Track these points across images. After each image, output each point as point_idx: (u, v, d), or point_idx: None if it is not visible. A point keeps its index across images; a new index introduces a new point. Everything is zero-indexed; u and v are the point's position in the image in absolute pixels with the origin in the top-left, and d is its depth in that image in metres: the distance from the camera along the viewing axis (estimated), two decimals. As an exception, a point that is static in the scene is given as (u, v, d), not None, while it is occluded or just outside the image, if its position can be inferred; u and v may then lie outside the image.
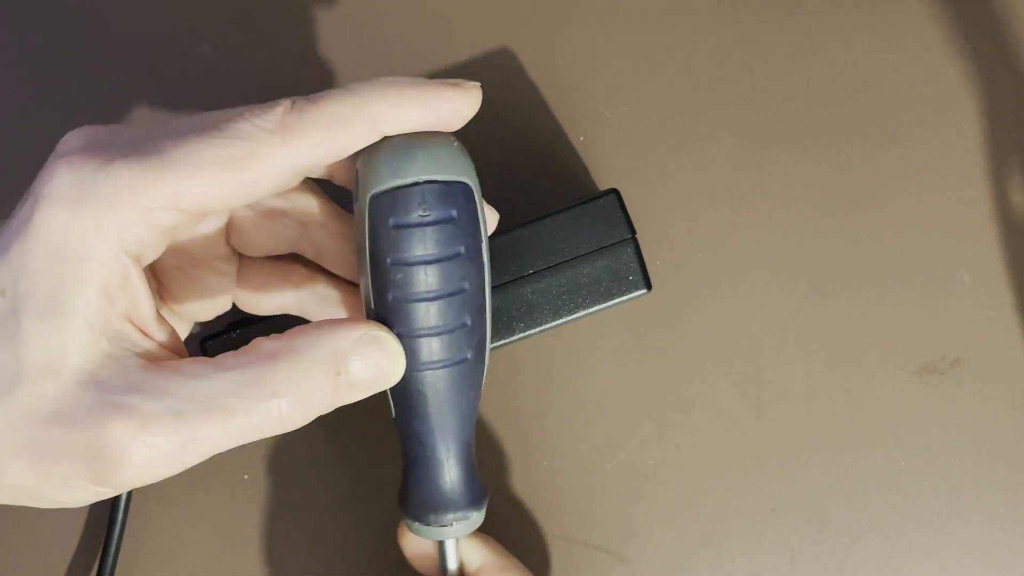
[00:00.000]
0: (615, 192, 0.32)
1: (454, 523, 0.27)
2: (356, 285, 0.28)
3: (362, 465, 0.35)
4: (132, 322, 0.22)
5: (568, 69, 0.37)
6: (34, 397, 0.20)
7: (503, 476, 0.35)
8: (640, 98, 0.37)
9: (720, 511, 0.34)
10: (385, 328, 0.23)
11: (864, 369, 0.35)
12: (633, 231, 0.32)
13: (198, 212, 0.22)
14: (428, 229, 0.23)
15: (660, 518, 0.34)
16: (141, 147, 0.21)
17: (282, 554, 0.34)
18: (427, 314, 0.24)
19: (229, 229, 0.27)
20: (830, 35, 0.37)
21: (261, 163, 0.22)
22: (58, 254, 0.20)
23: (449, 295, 0.24)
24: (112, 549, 0.33)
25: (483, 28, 0.37)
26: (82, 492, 0.21)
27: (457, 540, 0.28)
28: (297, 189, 0.27)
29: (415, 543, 0.30)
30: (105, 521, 0.33)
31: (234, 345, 0.31)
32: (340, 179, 0.26)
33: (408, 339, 0.24)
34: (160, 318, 0.23)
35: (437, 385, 0.25)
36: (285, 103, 0.22)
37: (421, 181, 0.23)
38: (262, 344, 0.22)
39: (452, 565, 0.28)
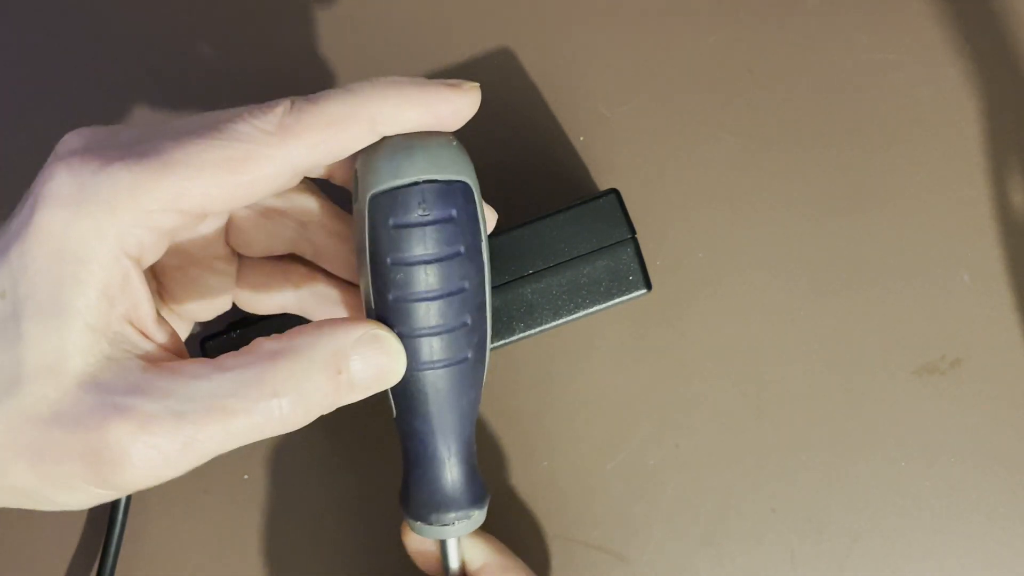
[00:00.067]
0: (615, 192, 0.32)
1: (455, 522, 0.27)
2: (356, 285, 0.28)
3: (362, 465, 0.35)
4: (132, 324, 0.22)
5: (568, 69, 0.37)
6: (35, 399, 0.20)
7: (503, 476, 0.35)
8: (640, 98, 0.37)
9: (720, 511, 0.34)
10: (385, 327, 0.23)
11: (864, 369, 0.35)
12: (633, 231, 0.32)
13: (198, 213, 0.22)
14: (428, 229, 0.23)
15: (660, 518, 0.34)
16: (140, 149, 0.21)
17: (282, 554, 0.34)
18: (427, 314, 0.24)
19: (228, 229, 0.27)
20: (830, 35, 0.37)
21: (260, 164, 0.22)
22: (58, 256, 0.20)
23: (449, 295, 0.24)
24: (112, 549, 0.33)
25: (483, 28, 0.37)
26: (83, 494, 0.21)
27: (459, 539, 0.28)
28: (296, 189, 0.27)
29: (418, 541, 0.30)
30: (105, 521, 0.33)
31: (234, 345, 0.31)
32: (339, 179, 0.26)
33: (409, 339, 0.24)
34: (160, 319, 0.23)
35: (438, 384, 0.25)
36: (284, 103, 0.22)
37: (420, 181, 0.23)
38: (262, 344, 0.22)
39: (454, 564, 0.28)
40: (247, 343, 0.22)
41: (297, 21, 0.38)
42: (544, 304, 0.31)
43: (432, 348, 0.24)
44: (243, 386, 0.21)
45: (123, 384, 0.21)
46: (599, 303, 0.31)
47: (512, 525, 0.34)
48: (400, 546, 0.32)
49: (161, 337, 0.23)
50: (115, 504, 0.33)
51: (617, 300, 0.31)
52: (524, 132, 0.36)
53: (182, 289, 0.27)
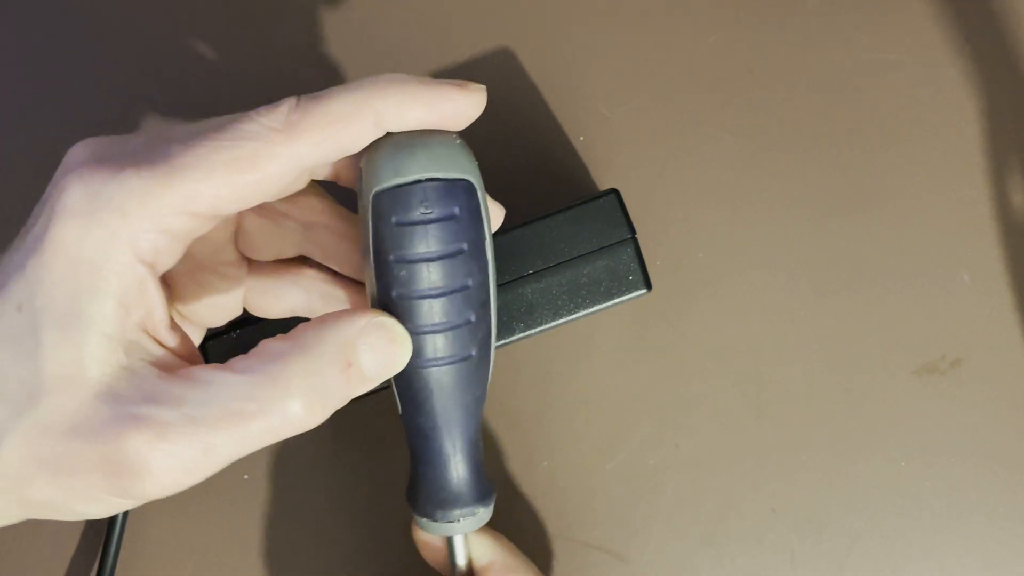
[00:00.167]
0: (615, 192, 0.32)
1: (460, 519, 0.27)
2: (363, 284, 0.28)
3: (363, 465, 0.35)
4: (147, 331, 0.22)
5: (568, 69, 0.37)
6: (54, 411, 0.20)
7: (504, 476, 0.35)
8: (640, 98, 0.37)
9: (720, 511, 0.34)
10: (387, 313, 0.23)
11: (864, 369, 0.35)
12: (633, 231, 0.32)
13: (210, 216, 0.22)
14: (430, 226, 0.23)
15: (660, 518, 0.34)
16: (149, 155, 0.21)
17: (283, 554, 0.34)
18: (431, 311, 0.24)
19: (237, 234, 0.27)
20: (830, 35, 0.37)
21: (268, 162, 0.22)
22: (73, 266, 0.21)
23: (452, 292, 0.24)
24: (112, 549, 0.33)
25: (483, 28, 0.37)
26: (105, 504, 0.22)
27: (466, 536, 0.28)
28: (303, 192, 0.27)
29: (427, 536, 0.30)
30: (105, 521, 0.33)
31: (234, 345, 0.31)
32: (344, 180, 0.26)
33: (412, 336, 0.24)
34: (174, 325, 0.23)
35: (442, 381, 0.25)
36: (289, 101, 0.22)
37: (423, 179, 0.23)
38: (270, 345, 0.22)
39: (461, 561, 0.28)
40: (247, 343, 0.22)
41: (298, 21, 0.38)
42: (544, 304, 0.31)
43: (436, 345, 0.24)
44: (256, 388, 0.21)
45: (139, 393, 0.21)
46: (599, 303, 0.31)
47: (512, 525, 0.34)
48: (402, 545, 0.32)
49: (174, 343, 0.23)
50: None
51: (617, 300, 0.31)
52: (524, 132, 0.36)
53: (193, 295, 0.27)
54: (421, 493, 0.27)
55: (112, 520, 0.33)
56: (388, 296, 0.24)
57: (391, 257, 0.24)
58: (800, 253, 0.35)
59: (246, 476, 0.35)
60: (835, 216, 0.35)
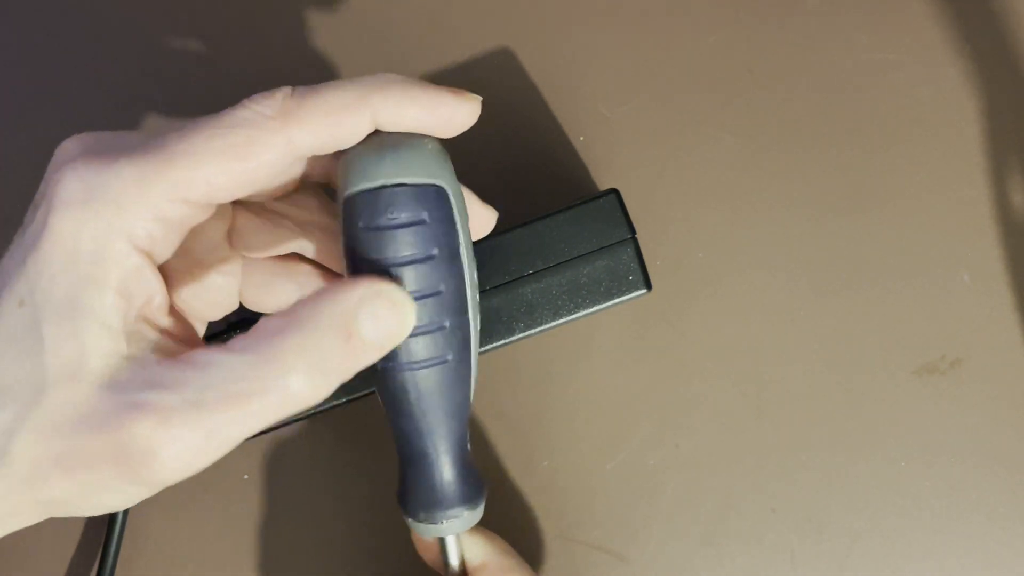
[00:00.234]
0: (615, 192, 0.32)
1: (444, 521, 0.27)
2: None
3: (362, 465, 0.35)
4: (147, 319, 0.22)
5: (568, 69, 0.37)
6: (60, 405, 0.20)
7: (503, 476, 0.35)
8: (640, 98, 0.37)
9: (720, 511, 0.34)
10: (386, 280, 0.23)
11: (864, 369, 0.35)
12: (633, 231, 0.32)
13: (205, 203, 0.22)
14: (397, 232, 0.23)
15: (660, 518, 0.34)
16: (144, 145, 0.22)
17: (282, 554, 0.34)
18: None
19: (231, 232, 0.27)
20: (830, 35, 0.37)
21: (263, 149, 0.22)
22: (72, 258, 0.21)
23: (424, 297, 0.24)
24: (112, 549, 0.33)
25: (483, 28, 0.37)
26: (121, 496, 0.21)
27: (458, 536, 0.28)
28: (297, 192, 0.27)
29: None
30: (105, 521, 0.33)
31: None
32: (335, 183, 0.27)
33: None
34: (174, 312, 0.23)
35: (420, 385, 0.25)
36: (285, 90, 0.22)
37: (390, 184, 0.23)
38: (268, 322, 0.22)
39: (454, 561, 0.28)
40: None
41: (297, 21, 0.38)
42: (544, 304, 0.31)
43: (410, 350, 0.24)
44: (255, 367, 0.21)
45: (141, 380, 0.21)
46: (599, 303, 0.31)
47: (512, 525, 0.34)
48: (402, 546, 0.32)
49: (175, 329, 0.23)
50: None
51: (617, 300, 0.31)
52: (524, 132, 0.36)
53: (190, 291, 0.27)
54: (408, 494, 0.27)
55: (112, 520, 0.33)
56: None
57: (362, 261, 0.24)
58: (800, 253, 0.35)
59: (246, 476, 0.35)
60: (835, 216, 0.35)
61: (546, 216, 0.32)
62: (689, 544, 0.34)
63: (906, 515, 0.34)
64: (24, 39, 0.38)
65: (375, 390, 0.26)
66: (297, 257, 0.29)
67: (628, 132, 0.36)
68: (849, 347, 0.35)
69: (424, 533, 0.27)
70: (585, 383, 0.35)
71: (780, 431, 0.34)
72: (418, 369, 0.25)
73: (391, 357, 0.24)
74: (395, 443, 0.27)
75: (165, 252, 0.22)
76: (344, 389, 0.32)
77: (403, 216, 0.23)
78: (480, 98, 0.24)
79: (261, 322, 0.22)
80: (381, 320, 0.22)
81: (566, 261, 0.31)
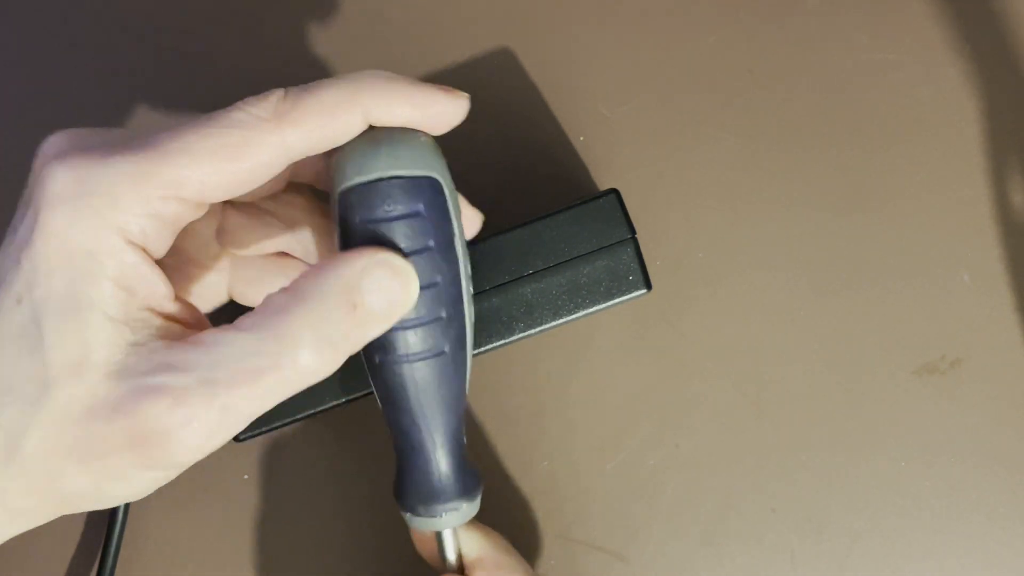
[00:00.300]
0: (615, 192, 0.32)
1: (443, 514, 0.27)
2: None
3: (362, 464, 0.35)
4: (152, 308, 0.22)
5: (568, 69, 0.37)
6: (67, 398, 0.21)
7: (503, 476, 0.35)
8: (640, 98, 0.37)
9: (720, 511, 0.34)
10: (386, 249, 0.23)
11: (864, 369, 0.35)
12: (633, 231, 0.32)
13: (198, 202, 0.22)
14: (395, 224, 0.23)
15: (660, 518, 0.34)
16: (137, 142, 0.22)
17: (282, 554, 0.34)
18: None
19: (219, 231, 0.27)
20: (830, 35, 0.37)
21: (257, 150, 0.22)
22: (68, 253, 0.21)
23: (421, 289, 0.24)
24: (112, 549, 0.33)
25: (483, 28, 0.37)
26: (139, 482, 0.22)
27: (454, 530, 0.28)
28: (285, 191, 0.28)
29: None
30: (105, 521, 0.33)
31: None
32: (323, 184, 0.27)
33: (384, 332, 0.24)
34: (178, 297, 0.23)
35: (416, 377, 0.25)
36: (278, 92, 0.22)
37: (386, 177, 0.23)
38: (273, 299, 0.22)
39: (451, 555, 0.28)
40: None
41: (296, 21, 0.38)
42: (544, 304, 0.31)
43: (407, 341, 0.24)
44: (263, 343, 0.21)
45: (151, 365, 0.21)
46: (599, 303, 0.31)
47: (512, 525, 0.34)
48: (401, 545, 0.32)
49: (183, 314, 0.23)
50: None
51: (617, 300, 0.31)
52: (524, 132, 0.36)
53: (180, 287, 0.27)
54: (405, 489, 0.27)
55: (112, 520, 0.33)
56: None
57: None
58: (800, 253, 0.35)
59: (246, 476, 0.35)
60: (835, 216, 0.35)
61: (546, 216, 0.32)
62: (689, 544, 0.34)
63: (906, 515, 0.34)
64: (24, 39, 0.38)
65: (372, 387, 0.26)
66: (286, 254, 0.29)
67: (628, 132, 0.36)
68: (849, 347, 0.35)
69: (422, 527, 0.27)
70: (585, 383, 0.35)
71: (780, 431, 0.34)
72: (415, 361, 0.25)
73: (388, 350, 0.25)
74: (392, 438, 0.27)
75: (159, 249, 0.22)
76: (344, 389, 0.32)
77: (399, 208, 0.23)
78: (468, 95, 0.24)
79: (267, 299, 0.22)
80: (384, 289, 0.22)
81: (566, 261, 0.31)
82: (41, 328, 0.21)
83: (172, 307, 0.23)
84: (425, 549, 0.30)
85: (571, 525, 0.34)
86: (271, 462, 0.35)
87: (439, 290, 0.24)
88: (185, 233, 0.26)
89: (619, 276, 0.31)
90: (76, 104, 0.37)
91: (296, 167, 0.26)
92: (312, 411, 0.31)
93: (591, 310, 0.31)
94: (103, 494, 0.22)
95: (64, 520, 0.34)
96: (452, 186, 0.25)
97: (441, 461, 0.27)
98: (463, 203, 0.28)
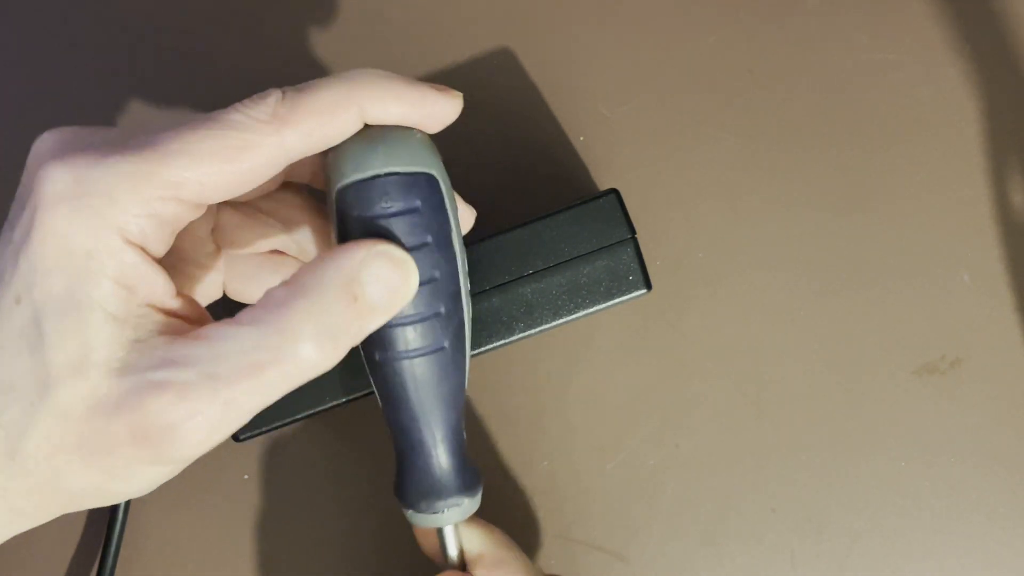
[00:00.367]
0: (615, 192, 0.32)
1: (445, 510, 0.27)
2: None
3: (362, 464, 0.35)
4: (152, 304, 0.22)
5: (568, 69, 0.37)
6: (69, 396, 0.21)
7: (503, 476, 0.35)
8: (640, 98, 0.37)
9: (720, 511, 0.34)
10: (384, 241, 0.23)
11: (864, 369, 0.35)
12: (633, 231, 0.32)
13: (197, 203, 0.22)
14: (392, 220, 0.24)
15: (660, 518, 0.34)
16: (135, 142, 0.21)
17: (282, 554, 0.34)
18: None
19: (215, 230, 0.27)
20: (830, 35, 0.37)
21: (256, 152, 0.22)
22: (66, 252, 0.21)
23: (420, 284, 0.24)
24: (112, 549, 0.33)
25: (483, 28, 0.37)
26: (144, 478, 0.22)
27: (456, 526, 0.28)
28: (280, 191, 0.28)
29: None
30: (105, 521, 0.33)
31: None
32: (319, 183, 0.27)
33: (384, 330, 0.24)
34: (180, 293, 0.23)
35: (416, 373, 0.25)
36: (275, 94, 0.22)
37: (383, 173, 0.23)
38: (274, 293, 0.22)
39: (452, 551, 0.28)
40: None
41: (297, 21, 0.38)
42: (544, 304, 0.31)
43: (407, 337, 0.24)
44: (265, 337, 0.21)
45: (153, 361, 0.21)
46: (599, 303, 0.31)
47: (512, 525, 0.34)
48: (402, 545, 0.32)
49: (184, 310, 0.23)
50: (115, 505, 0.33)
51: (617, 300, 0.31)
52: (524, 132, 0.36)
53: (176, 284, 0.28)
54: (406, 485, 0.27)
55: (112, 520, 0.33)
56: None
57: None
58: (800, 253, 0.35)
59: (246, 476, 0.35)
60: (835, 216, 0.35)
61: (546, 216, 0.32)
62: (689, 544, 0.34)
63: (906, 515, 0.34)
64: (24, 39, 0.38)
65: (372, 385, 0.27)
66: (281, 252, 0.29)
67: (628, 132, 0.36)
68: (849, 347, 0.35)
69: (424, 524, 0.27)
70: (585, 383, 0.35)
71: (780, 431, 0.34)
72: (415, 357, 0.25)
73: (388, 346, 0.25)
74: (392, 436, 0.27)
75: (159, 249, 0.22)
76: (344, 389, 0.32)
77: (397, 204, 0.24)
78: (462, 94, 0.24)
79: (267, 293, 0.22)
80: (384, 279, 0.22)
81: (566, 261, 0.31)
82: (41, 328, 0.21)
83: (174, 303, 0.23)
84: (428, 545, 0.30)
85: (571, 525, 0.34)
86: (271, 462, 0.35)
87: (437, 286, 0.25)
88: (181, 232, 0.26)
89: (619, 276, 0.31)
90: (76, 104, 0.37)
91: (292, 167, 0.26)
92: (312, 411, 0.31)
93: (591, 310, 0.31)
94: (106, 491, 0.22)
95: (64, 520, 0.34)
96: (448, 183, 0.25)
97: (442, 457, 0.27)
98: (457, 200, 0.28)
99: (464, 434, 0.27)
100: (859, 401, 0.34)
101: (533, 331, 0.32)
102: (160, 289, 0.22)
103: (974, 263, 0.35)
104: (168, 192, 0.21)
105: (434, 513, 0.27)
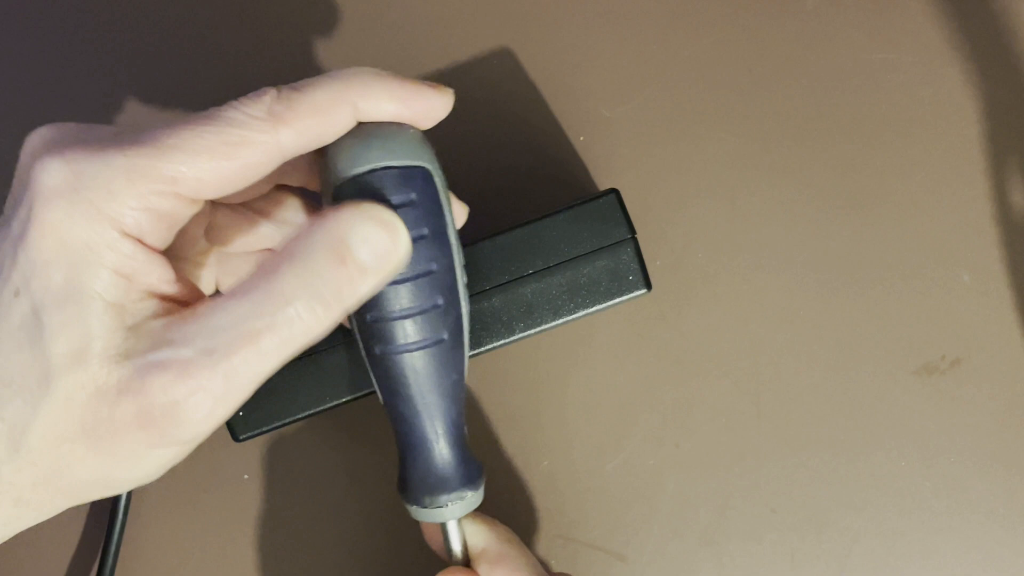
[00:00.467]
0: (615, 192, 0.32)
1: (449, 504, 0.27)
2: None
3: (363, 465, 0.35)
4: (152, 292, 0.22)
5: (568, 69, 0.37)
6: (71, 386, 0.21)
7: (503, 476, 0.35)
8: (640, 98, 0.37)
9: (720, 511, 0.34)
10: (372, 202, 0.23)
11: (864, 369, 0.35)
12: (633, 231, 0.32)
13: (194, 198, 0.22)
14: None
15: (660, 518, 0.34)
16: (132, 137, 0.22)
17: (282, 554, 0.34)
18: (398, 297, 0.24)
19: (208, 229, 0.28)
20: (830, 35, 0.37)
21: (253, 149, 0.22)
22: (65, 246, 0.21)
23: (418, 277, 0.24)
24: (112, 549, 0.33)
25: (483, 28, 0.37)
26: (151, 461, 0.22)
27: (459, 522, 0.28)
28: (274, 192, 0.28)
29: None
30: (105, 521, 0.33)
31: None
32: (312, 184, 0.27)
33: (383, 323, 0.25)
34: (178, 279, 0.23)
35: (417, 366, 0.25)
36: (271, 92, 0.23)
37: (379, 167, 0.24)
38: (264, 261, 0.22)
39: (456, 546, 0.28)
40: None
41: (296, 21, 0.38)
42: (544, 304, 0.31)
43: (407, 331, 0.25)
44: (257, 305, 0.21)
45: (152, 343, 0.21)
46: (599, 303, 0.31)
47: (512, 524, 0.34)
48: (402, 545, 0.32)
49: (183, 293, 0.23)
50: (115, 504, 0.33)
51: (617, 300, 0.31)
52: (524, 132, 0.36)
53: None
54: (409, 480, 0.27)
55: (112, 520, 0.33)
56: None
57: None
58: (800, 253, 0.35)
59: (246, 476, 0.35)
60: (835, 216, 0.35)
61: (546, 216, 0.32)
62: (689, 544, 0.34)
63: (906, 515, 0.34)
64: (23, 39, 0.38)
65: (373, 380, 0.27)
66: (273, 251, 0.29)
67: (628, 132, 0.36)
68: (849, 347, 0.35)
69: (428, 519, 0.28)
70: (585, 383, 0.35)
71: (780, 431, 0.34)
72: (416, 350, 0.25)
73: (389, 340, 0.25)
74: (395, 432, 0.27)
75: (157, 243, 0.23)
76: (345, 389, 0.32)
77: (393, 198, 0.24)
78: (453, 90, 0.25)
79: (258, 265, 0.22)
80: (372, 241, 0.22)
81: (566, 261, 0.31)
82: (41, 320, 0.21)
83: (172, 289, 0.23)
84: (434, 540, 0.30)
85: (571, 525, 0.34)
86: (271, 462, 0.35)
87: (435, 278, 0.25)
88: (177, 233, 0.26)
89: (619, 276, 0.31)
90: (75, 103, 0.37)
91: (286, 168, 0.26)
92: (312, 411, 0.31)
93: (591, 310, 0.31)
94: (113, 479, 0.22)
95: (64, 520, 0.34)
96: (443, 177, 0.26)
97: (444, 450, 0.27)
98: (451, 196, 0.28)
99: (465, 427, 0.28)
100: (859, 401, 0.34)
101: (533, 331, 0.32)
102: (159, 277, 0.22)
103: (974, 263, 0.35)
104: (165, 187, 0.21)
105: (438, 507, 0.27)
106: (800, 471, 0.34)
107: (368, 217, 0.22)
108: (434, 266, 0.25)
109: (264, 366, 0.21)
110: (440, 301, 0.25)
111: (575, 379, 0.35)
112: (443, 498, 0.27)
